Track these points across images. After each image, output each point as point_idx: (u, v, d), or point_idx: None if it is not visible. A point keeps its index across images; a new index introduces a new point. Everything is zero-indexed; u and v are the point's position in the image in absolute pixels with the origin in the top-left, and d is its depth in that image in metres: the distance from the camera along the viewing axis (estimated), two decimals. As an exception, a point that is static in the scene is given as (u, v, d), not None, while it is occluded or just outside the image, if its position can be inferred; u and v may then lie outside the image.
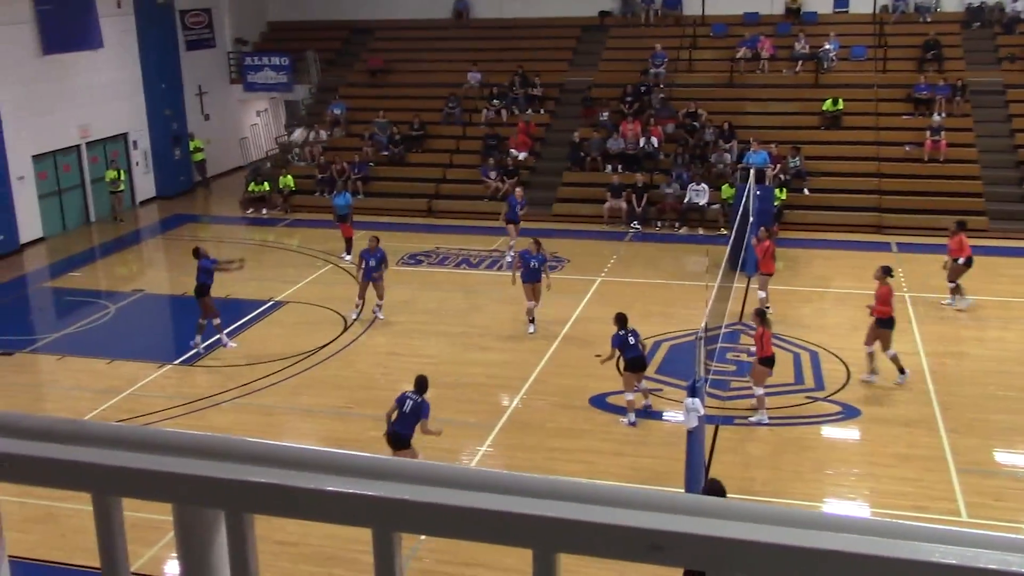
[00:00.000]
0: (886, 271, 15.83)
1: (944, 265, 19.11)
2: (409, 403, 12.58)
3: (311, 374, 16.88)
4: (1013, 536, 0.94)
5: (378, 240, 19.32)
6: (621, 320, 15.00)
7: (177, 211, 29.51)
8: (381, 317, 19.14)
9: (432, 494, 0.97)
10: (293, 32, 35.66)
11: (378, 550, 1.00)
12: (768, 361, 14.59)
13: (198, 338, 17.91)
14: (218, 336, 18.04)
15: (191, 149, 31.92)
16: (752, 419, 14.62)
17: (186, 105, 31.95)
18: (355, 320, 19.14)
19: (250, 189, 29.10)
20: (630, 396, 14.73)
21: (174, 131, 31.19)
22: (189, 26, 32.52)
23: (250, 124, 35.98)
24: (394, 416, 12.66)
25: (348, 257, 23.41)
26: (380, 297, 19.07)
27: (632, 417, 14.62)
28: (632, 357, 14.80)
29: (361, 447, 14.08)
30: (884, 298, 15.48)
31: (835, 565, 0.88)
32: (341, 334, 18.65)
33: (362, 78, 33.35)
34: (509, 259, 20.43)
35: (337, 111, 31.48)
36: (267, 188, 28.86)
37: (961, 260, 18.69)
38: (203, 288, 17.69)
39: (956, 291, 18.40)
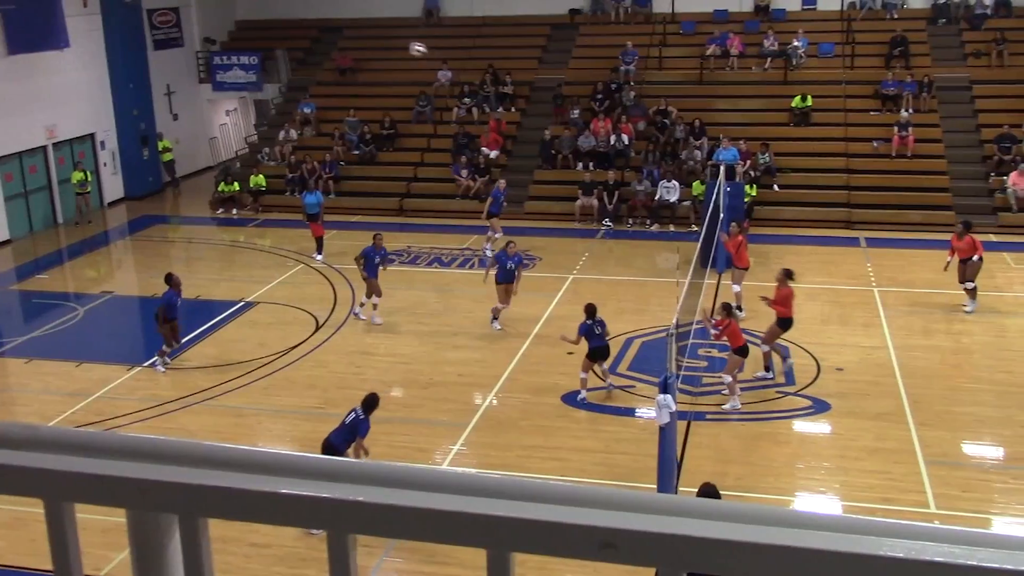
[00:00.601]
0: (787, 274, 15.97)
1: (946, 267, 18.61)
2: (351, 416, 12.31)
3: (283, 374, 16.80)
4: (957, 528, 0.95)
5: (382, 237, 19.25)
6: (590, 310, 15.60)
7: (146, 212, 29.27)
8: (363, 317, 19.03)
9: (386, 495, 0.97)
10: (262, 31, 35.44)
11: (333, 552, 1.00)
12: (742, 351, 14.87)
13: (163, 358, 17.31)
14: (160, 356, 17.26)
15: (159, 149, 31.65)
16: (726, 406, 14.83)
17: (154, 105, 31.68)
18: (376, 323, 18.84)
19: (220, 189, 28.91)
20: (583, 375, 15.40)
21: (142, 131, 30.93)
22: (156, 25, 32.24)
23: (219, 124, 35.75)
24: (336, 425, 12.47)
25: (319, 257, 23.33)
26: (378, 295, 18.85)
27: (584, 394, 15.35)
28: (596, 347, 15.36)
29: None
30: (785, 300, 15.61)
31: (787, 560, 0.89)
32: (313, 334, 18.58)
33: (332, 77, 33.20)
34: (489, 253, 20.29)
35: (307, 110, 31.33)
36: (237, 188, 28.68)
37: (976, 258, 18.30)
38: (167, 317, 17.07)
39: (973, 293, 17.97)
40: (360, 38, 34.09)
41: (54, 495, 1.07)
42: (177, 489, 1.03)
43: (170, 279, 17.30)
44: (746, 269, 19.01)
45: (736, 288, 18.74)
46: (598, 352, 15.39)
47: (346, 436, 12.16)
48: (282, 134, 30.69)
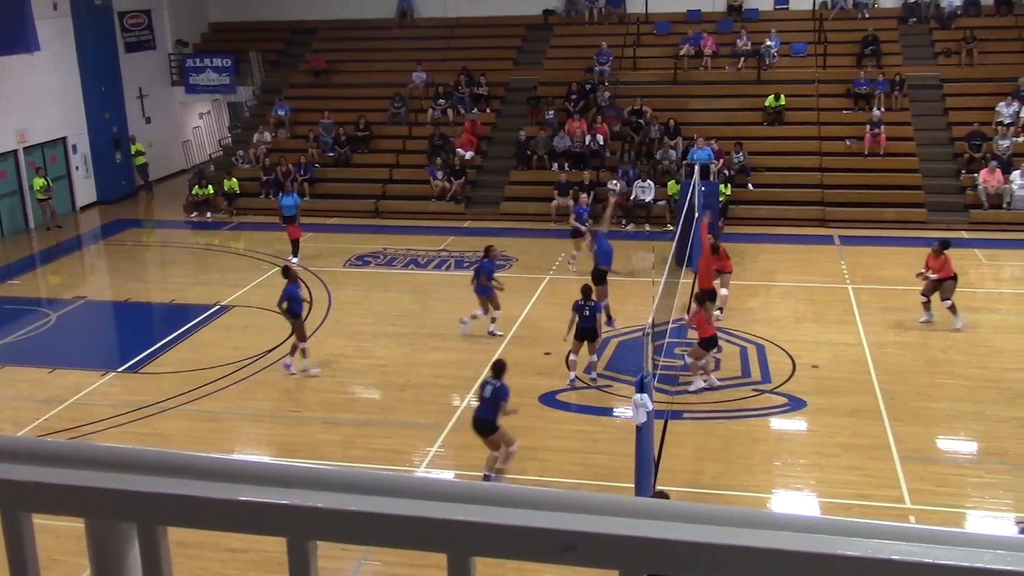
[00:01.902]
0: (701, 298, 16.01)
1: (919, 276, 18.18)
2: (489, 388, 12.87)
3: (259, 378, 16.71)
4: (914, 526, 0.96)
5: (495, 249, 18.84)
6: (585, 291, 16.02)
7: (119, 216, 29.04)
8: (498, 333, 18.11)
9: (345, 501, 0.97)
10: (235, 33, 35.26)
11: (292, 559, 1.00)
12: (707, 342, 15.26)
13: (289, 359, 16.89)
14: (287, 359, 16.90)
15: (132, 153, 31.42)
16: (691, 388, 15.27)
17: (126, 108, 31.44)
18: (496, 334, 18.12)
19: (194, 192, 28.73)
20: (573, 357, 15.87)
21: (114, 134, 30.69)
22: (128, 28, 32.01)
23: (193, 126, 35.54)
24: (478, 402, 13.12)
25: (295, 259, 23.22)
26: (496, 308, 18.16)
27: (573, 376, 15.86)
28: (583, 328, 15.75)
29: (311, 451, 13.99)
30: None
31: (744, 559, 0.89)
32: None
33: (306, 79, 33.08)
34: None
35: (281, 112, 31.20)
36: (211, 191, 28.52)
37: (948, 278, 17.79)
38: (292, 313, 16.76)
39: (954, 309, 17.81)
40: (334, 39, 34.00)
41: (9, 505, 1.06)
42: (134, 497, 1.02)
43: (288, 272, 17.07)
44: (730, 273, 19.08)
45: (724, 291, 18.81)
46: (584, 332, 15.78)
47: (492, 407, 12.71)
48: (256, 136, 30.55)
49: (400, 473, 1.02)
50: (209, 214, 28.28)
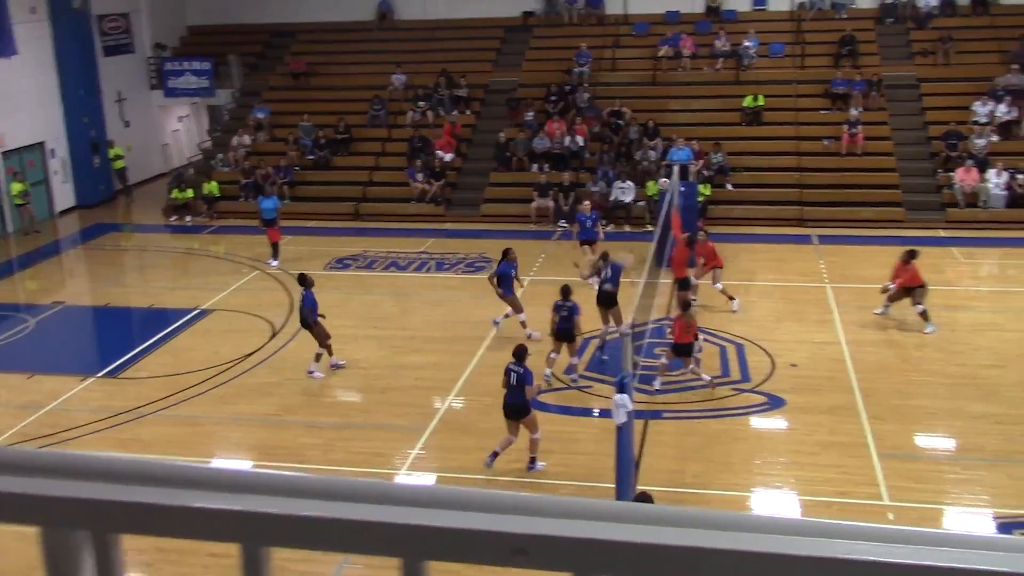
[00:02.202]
0: (681, 287, 16.36)
1: (884, 290, 18.17)
2: (513, 375, 13.17)
3: (240, 382, 16.65)
4: (866, 525, 0.97)
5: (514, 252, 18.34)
6: (564, 291, 15.97)
7: (98, 220, 28.87)
8: (535, 335, 17.55)
9: (299, 506, 0.98)
10: (214, 36, 35.13)
11: (246, 566, 1.00)
12: (679, 348, 15.38)
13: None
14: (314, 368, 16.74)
15: (111, 157, 31.24)
16: (655, 385, 15.50)
17: (105, 112, 31.27)
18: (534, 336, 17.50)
19: (173, 196, 28.60)
20: (554, 356, 15.93)
21: (93, 138, 30.51)
22: (107, 31, 31.82)
23: (172, 130, 35.37)
24: (505, 390, 13.33)
25: (275, 263, 23.16)
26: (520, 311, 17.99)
27: (548, 372, 15.93)
28: (562, 328, 15.80)
29: (292, 454, 13.96)
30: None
31: (700, 562, 0.90)
32: (269, 341, 18.44)
33: (285, 81, 33.00)
34: (592, 283, 18.13)
35: (260, 115, 31.12)
36: (191, 195, 28.39)
37: (918, 286, 17.88)
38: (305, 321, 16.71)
39: (926, 315, 17.90)
40: (313, 42, 33.91)
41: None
42: (87, 505, 1.02)
43: (304, 279, 16.85)
44: (722, 267, 19.20)
45: (718, 286, 18.93)
46: (563, 333, 15.82)
47: (520, 392, 13.12)
48: (236, 140, 30.44)
49: (355, 478, 1.03)
50: (189, 218, 28.15)
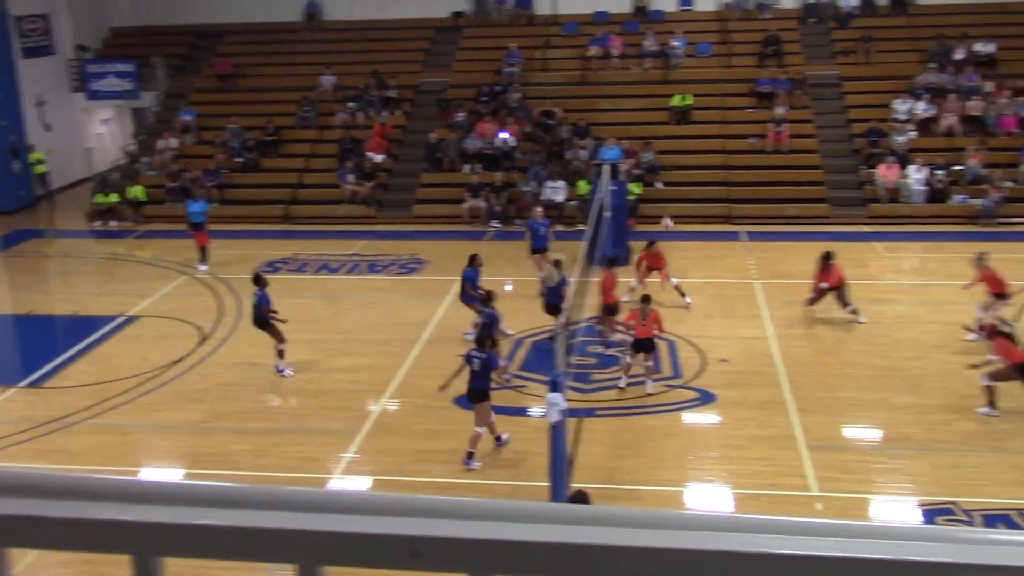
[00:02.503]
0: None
1: (811, 302, 18.44)
2: (477, 361, 13.53)
3: (168, 389, 16.36)
4: (764, 517, 0.99)
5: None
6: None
7: (19, 227, 28.13)
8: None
9: (190, 515, 0.97)
10: (137, 38, 34.47)
11: (138, 577, 0.99)
12: (637, 344, 15.42)
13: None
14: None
15: (32, 161, 30.48)
16: (648, 389, 15.37)
17: (24, 115, 30.49)
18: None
19: (97, 201, 27.99)
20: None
21: (12, 143, 29.73)
22: (26, 33, 31.03)
23: (95, 133, 34.59)
24: (468, 375, 13.65)
25: (203, 267, 22.81)
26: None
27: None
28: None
29: (223, 461, 13.75)
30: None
31: (593, 559, 0.92)
32: (198, 347, 18.15)
33: (211, 83, 32.51)
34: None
35: (187, 118, 30.61)
36: (116, 199, 27.82)
37: (839, 286, 18.23)
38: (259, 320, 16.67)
39: (855, 311, 18.29)
40: (240, 43, 33.48)
41: None
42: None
43: (259, 279, 16.92)
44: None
45: (674, 282, 19.17)
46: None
47: (483, 377, 13.56)
48: (161, 143, 29.91)
49: (250, 485, 1.02)
50: (114, 223, 27.58)
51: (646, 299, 15.81)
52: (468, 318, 17.95)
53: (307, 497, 0.99)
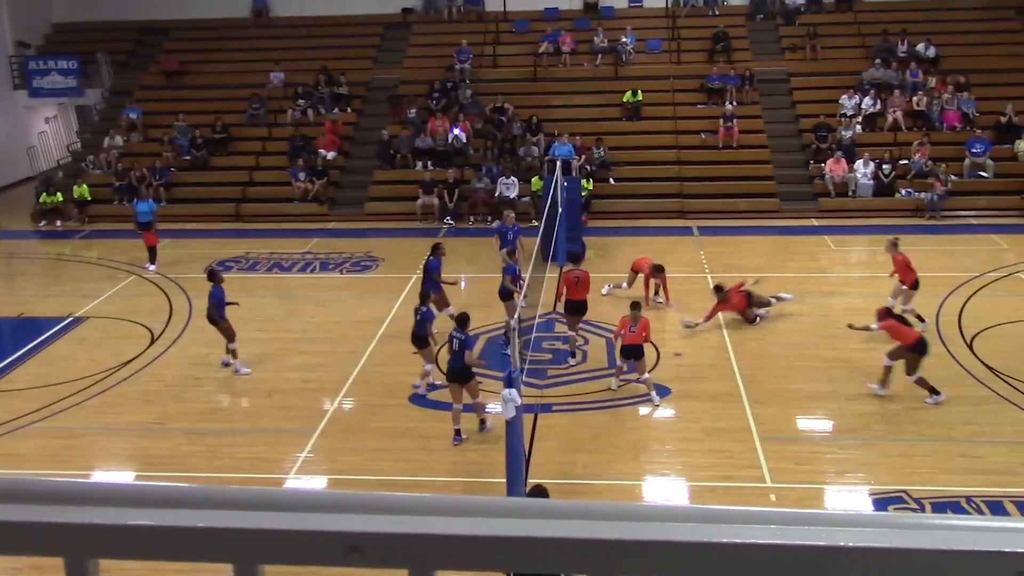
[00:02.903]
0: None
1: (705, 320, 18.27)
2: (456, 341, 13.82)
3: (118, 391, 16.11)
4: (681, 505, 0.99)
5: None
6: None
7: (-39, 227, 27.53)
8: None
9: (123, 516, 0.94)
10: (80, 33, 33.90)
11: (71, 581, 0.96)
12: (625, 351, 15.16)
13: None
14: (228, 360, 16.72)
15: (-27, 161, 29.87)
16: (654, 400, 15.07)
17: (-36, 114, 29.86)
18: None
19: (42, 201, 27.50)
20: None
21: (-48, 142, 29.10)
22: (-37, 29, 30.39)
23: (38, 131, 33.94)
24: (448, 355, 14.09)
25: (152, 267, 22.50)
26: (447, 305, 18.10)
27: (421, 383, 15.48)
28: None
29: (175, 463, 13.57)
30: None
31: (533, 551, 0.90)
32: (148, 347, 17.90)
33: (158, 80, 32.07)
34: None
35: (133, 115, 30.17)
36: (60, 199, 27.34)
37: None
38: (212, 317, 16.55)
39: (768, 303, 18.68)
40: (186, 39, 33.07)
41: None
42: None
43: (213, 275, 16.75)
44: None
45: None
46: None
47: (462, 356, 13.79)
48: (107, 141, 29.45)
49: (185, 484, 0.99)
50: (59, 222, 27.12)
51: (636, 306, 15.52)
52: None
53: (242, 495, 0.97)
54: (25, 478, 1.02)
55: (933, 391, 14.65)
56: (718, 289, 18.12)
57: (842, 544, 0.93)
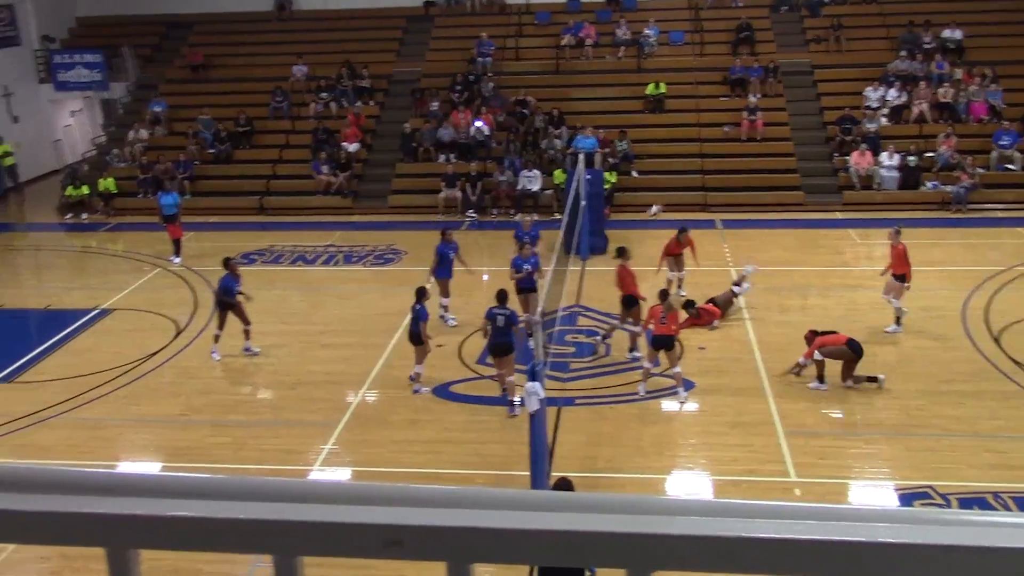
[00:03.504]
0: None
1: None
2: (501, 318, 14.37)
3: (144, 383, 16.24)
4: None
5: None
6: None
7: (-12, 220, 27.84)
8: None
9: (164, 507, 0.94)
10: (105, 28, 34.11)
11: (112, 571, 0.97)
12: (655, 341, 14.99)
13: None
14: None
15: (0, 154, 30.13)
16: (681, 395, 14.91)
17: (-9, 107, 30.14)
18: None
19: (67, 194, 27.71)
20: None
21: (-21, 135, 29.39)
22: (-10, 24, 30.65)
23: (64, 125, 34.22)
24: (489, 331, 14.57)
25: (177, 260, 22.64)
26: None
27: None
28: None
29: (200, 454, 13.68)
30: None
31: (580, 545, 0.90)
32: (173, 339, 18.03)
33: (182, 74, 32.23)
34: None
35: (157, 109, 30.34)
36: (86, 192, 27.55)
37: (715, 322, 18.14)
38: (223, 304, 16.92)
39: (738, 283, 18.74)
40: (210, 33, 33.22)
41: None
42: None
43: (228, 263, 17.27)
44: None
45: (681, 274, 19.03)
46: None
47: (507, 331, 14.46)
48: (132, 134, 29.64)
49: (223, 475, 1.00)
50: (84, 215, 27.33)
51: (664, 295, 15.34)
52: (437, 306, 17.89)
53: (283, 487, 0.97)
54: (68, 469, 1.02)
55: (821, 378, 14.96)
56: (688, 305, 17.91)
57: (882, 540, 0.92)
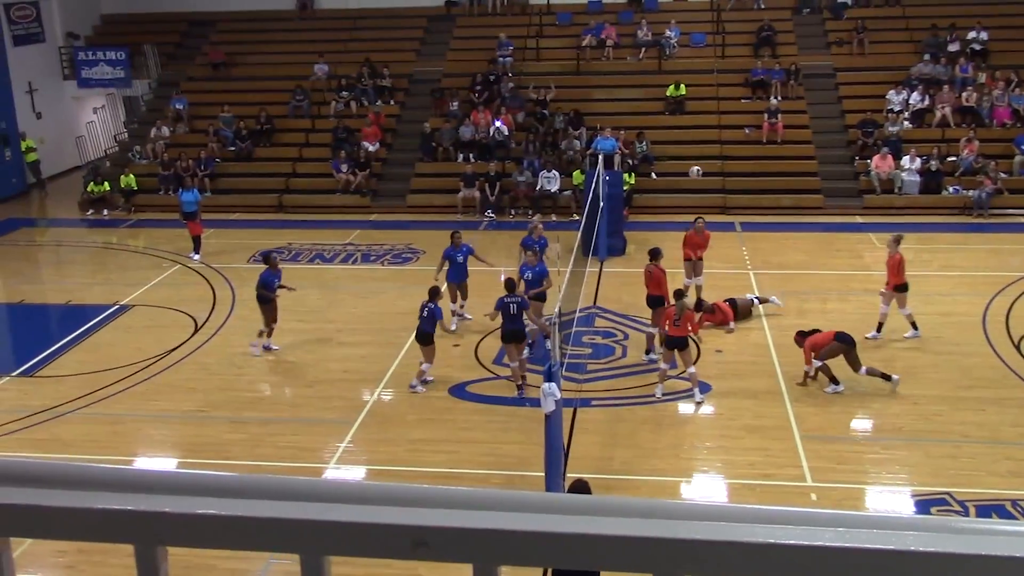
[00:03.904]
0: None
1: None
2: (513, 306, 14.92)
3: (162, 378, 16.33)
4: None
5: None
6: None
7: (10, 215, 28.03)
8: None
9: (195, 504, 0.95)
10: (128, 25, 34.33)
11: (141, 567, 0.97)
12: (670, 342, 14.99)
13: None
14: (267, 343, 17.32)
15: (23, 149, 30.35)
16: (697, 397, 14.85)
17: (15, 103, 30.35)
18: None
19: (89, 190, 27.89)
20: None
21: (3, 131, 29.61)
22: (15, 20, 30.86)
23: (87, 121, 34.43)
24: (499, 319, 15.13)
25: (196, 256, 22.76)
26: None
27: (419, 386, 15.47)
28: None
29: (217, 450, 13.74)
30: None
31: (602, 549, 0.90)
32: (192, 336, 18.12)
33: (204, 72, 32.39)
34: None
35: (179, 106, 30.50)
36: (108, 188, 27.72)
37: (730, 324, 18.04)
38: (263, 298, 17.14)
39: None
40: (232, 31, 33.37)
41: None
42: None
43: (267, 258, 17.64)
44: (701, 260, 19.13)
45: (699, 281, 18.92)
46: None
47: (519, 319, 15.05)
48: (154, 131, 29.80)
49: (251, 474, 1.00)
50: (106, 211, 27.50)
51: (679, 295, 15.31)
52: (452, 304, 17.91)
53: (311, 486, 0.97)
54: (99, 466, 1.03)
55: (834, 380, 14.94)
56: (699, 305, 17.88)
57: (913, 549, 0.92)
